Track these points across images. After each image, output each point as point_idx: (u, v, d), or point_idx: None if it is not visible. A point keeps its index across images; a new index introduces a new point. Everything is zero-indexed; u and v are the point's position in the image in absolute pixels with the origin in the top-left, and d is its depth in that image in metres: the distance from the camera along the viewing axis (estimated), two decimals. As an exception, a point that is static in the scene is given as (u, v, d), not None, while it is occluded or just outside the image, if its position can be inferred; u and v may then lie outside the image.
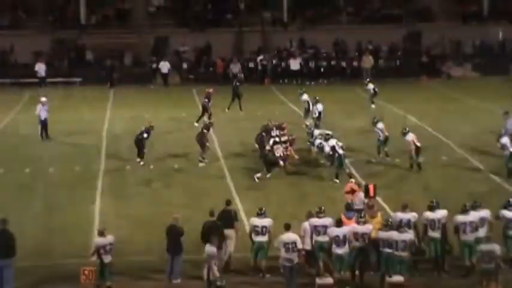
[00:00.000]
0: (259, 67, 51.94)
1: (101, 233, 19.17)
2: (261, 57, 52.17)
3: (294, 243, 18.79)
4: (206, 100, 36.95)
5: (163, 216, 23.26)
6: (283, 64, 52.08)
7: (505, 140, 28.00)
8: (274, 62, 52.35)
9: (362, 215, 19.61)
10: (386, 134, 30.14)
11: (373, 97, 41.22)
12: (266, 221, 19.83)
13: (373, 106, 40.78)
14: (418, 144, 28.61)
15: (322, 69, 51.82)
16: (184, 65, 52.36)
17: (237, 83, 41.98)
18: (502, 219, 20.01)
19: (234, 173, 28.98)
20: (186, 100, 44.44)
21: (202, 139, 30.03)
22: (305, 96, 36.71)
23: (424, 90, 47.83)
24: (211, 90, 37.92)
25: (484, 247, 18.06)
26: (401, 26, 56.89)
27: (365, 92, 43.07)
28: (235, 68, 50.53)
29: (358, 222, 19.34)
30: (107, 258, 18.82)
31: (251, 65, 52.21)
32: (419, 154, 28.67)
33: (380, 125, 30.32)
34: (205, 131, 30.28)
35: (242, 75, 49.05)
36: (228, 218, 20.36)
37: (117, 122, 38.06)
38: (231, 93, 40.82)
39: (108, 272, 18.79)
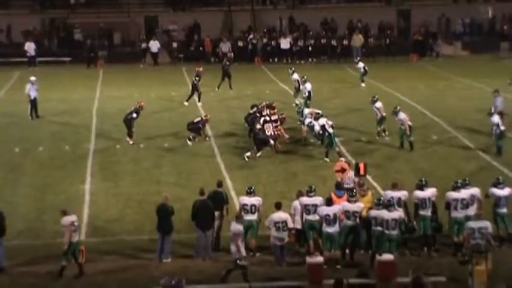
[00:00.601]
0: (250, 46, 51.82)
1: (65, 213, 19.02)
2: (251, 36, 52.01)
3: (285, 222, 18.91)
4: (196, 79, 36.85)
5: (153, 195, 23.33)
6: (273, 43, 51.97)
7: (496, 118, 28.01)
8: (264, 41, 52.23)
9: (353, 193, 19.61)
10: (384, 114, 30.00)
11: (363, 76, 41.21)
12: (255, 200, 19.83)
13: (363, 85, 40.77)
14: (410, 123, 28.60)
15: (310, 48, 51.71)
16: (174, 44, 52.18)
17: (227, 62, 41.87)
18: (491, 197, 20.08)
19: (224, 152, 28.93)
20: (175, 79, 44.29)
21: (198, 130, 29.89)
22: (295, 75, 36.59)
23: (414, 69, 47.80)
24: (200, 68, 37.88)
25: (475, 224, 18.08)
26: (391, 4, 56.82)
27: (355, 71, 43.03)
28: (225, 47, 50.37)
29: (349, 201, 19.33)
30: (75, 237, 18.69)
31: (241, 44, 52.10)
32: (411, 133, 28.65)
33: (378, 104, 30.23)
34: (200, 126, 30.10)
35: (232, 54, 48.84)
36: (219, 199, 20.25)
37: (106, 101, 37.90)
38: (221, 72, 40.74)
39: (76, 250, 18.65)
